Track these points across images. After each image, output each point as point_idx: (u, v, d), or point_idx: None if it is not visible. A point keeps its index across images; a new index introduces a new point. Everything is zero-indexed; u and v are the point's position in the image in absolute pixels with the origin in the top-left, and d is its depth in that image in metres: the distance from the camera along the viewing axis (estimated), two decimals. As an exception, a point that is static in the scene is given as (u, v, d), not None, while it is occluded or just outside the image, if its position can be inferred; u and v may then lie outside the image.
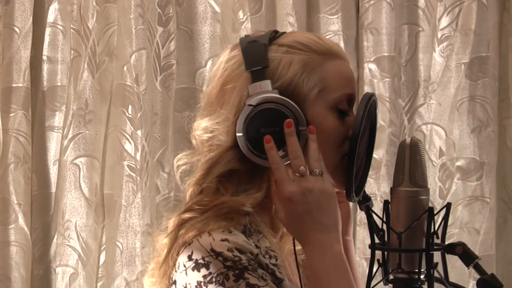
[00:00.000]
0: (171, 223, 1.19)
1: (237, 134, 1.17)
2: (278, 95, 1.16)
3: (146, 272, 1.24)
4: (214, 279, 1.10)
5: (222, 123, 1.20)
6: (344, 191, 1.24)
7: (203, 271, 1.11)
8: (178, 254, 1.15)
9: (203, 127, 1.22)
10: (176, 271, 1.15)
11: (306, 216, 1.14)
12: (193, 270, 1.12)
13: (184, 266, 1.13)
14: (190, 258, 1.13)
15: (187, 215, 1.17)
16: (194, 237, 1.14)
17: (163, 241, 1.20)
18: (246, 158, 1.18)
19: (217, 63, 1.26)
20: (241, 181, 1.19)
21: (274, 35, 1.23)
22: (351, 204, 2.34)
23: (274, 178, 1.17)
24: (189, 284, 1.12)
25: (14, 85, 2.32)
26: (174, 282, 1.15)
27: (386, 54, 2.32)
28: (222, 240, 1.12)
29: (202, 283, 1.11)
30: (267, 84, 1.17)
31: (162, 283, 1.19)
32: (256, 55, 1.18)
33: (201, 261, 1.12)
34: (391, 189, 1.25)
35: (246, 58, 1.19)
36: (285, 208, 1.15)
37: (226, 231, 1.14)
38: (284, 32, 1.25)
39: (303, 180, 1.14)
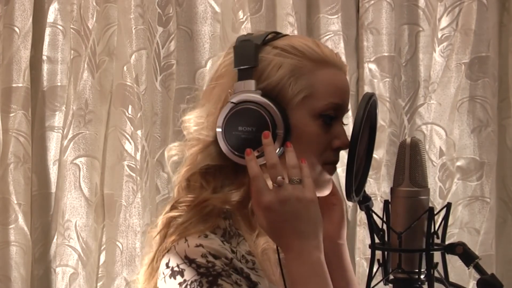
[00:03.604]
0: (160, 221, 1.21)
1: (217, 130, 1.19)
2: (258, 96, 1.18)
3: (141, 267, 1.26)
4: (188, 286, 1.12)
5: (208, 117, 1.22)
6: (337, 193, 1.26)
7: (179, 278, 1.13)
8: (161, 259, 1.17)
9: (192, 120, 1.25)
10: (159, 277, 1.17)
11: (285, 224, 1.15)
12: (170, 278, 1.14)
13: (163, 273, 1.16)
14: (167, 265, 1.15)
15: (173, 214, 1.20)
16: (173, 243, 1.16)
17: (155, 237, 1.22)
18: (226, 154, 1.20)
19: (219, 56, 1.28)
20: (226, 177, 1.21)
21: (274, 36, 1.24)
22: (351, 204, 2.35)
23: (253, 187, 1.18)
24: None
25: (14, 85, 2.32)
26: None
27: (386, 54, 2.32)
28: (197, 246, 1.14)
29: None
30: (251, 83, 1.18)
31: (149, 283, 1.22)
32: (246, 54, 1.20)
33: (176, 268, 1.14)
34: (391, 189, 1.25)
35: (236, 56, 1.20)
36: (264, 217, 1.16)
37: (202, 235, 1.16)
38: (285, 35, 1.26)
39: (280, 189, 1.15)
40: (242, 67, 1.19)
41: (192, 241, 1.15)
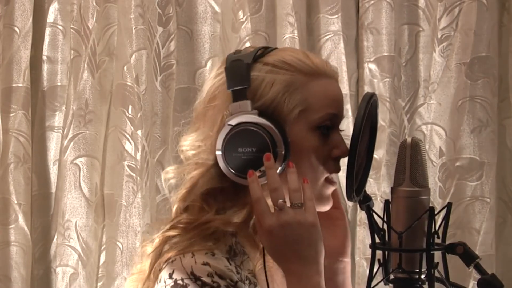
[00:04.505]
0: (156, 239, 1.21)
1: (217, 153, 1.19)
2: (256, 116, 1.18)
3: (129, 276, 1.26)
4: None
5: (205, 140, 1.22)
6: (340, 207, 1.26)
7: None
8: (160, 270, 1.17)
9: (188, 144, 1.25)
10: (157, 283, 1.17)
11: (286, 249, 1.15)
12: None
13: (164, 282, 1.15)
14: (170, 276, 1.15)
15: (171, 233, 1.20)
16: (178, 255, 1.16)
17: (148, 252, 1.22)
18: (227, 176, 1.20)
19: (209, 77, 1.28)
20: (227, 199, 1.21)
21: (263, 52, 1.23)
22: (351, 203, 2.34)
23: (255, 209, 1.18)
24: None
25: (14, 85, 2.32)
26: None
27: (386, 54, 2.32)
28: (204, 264, 1.14)
29: None
30: (246, 104, 1.18)
31: None
32: (238, 74, 1.20)
33: (180, 281, 1.14)
34: (392, 189, 1.25)
35: (228, 77, 1.20)
36: (266, 240, 1.16)
37: (209, 253, 1.16)
38: (275, 48, 1.26)
39: (282, 213, 1.15)
40: (236, 88, 1.19)
41: (199, 258, 1.15)
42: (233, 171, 1.19)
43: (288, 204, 1.15)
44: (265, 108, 1.19)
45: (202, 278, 1.13)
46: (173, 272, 1.15)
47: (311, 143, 1.20)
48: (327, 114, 1.21)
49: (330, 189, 1.24)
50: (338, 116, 1.23)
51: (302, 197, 1.16)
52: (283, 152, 1.17)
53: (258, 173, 1.17)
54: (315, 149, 1.21)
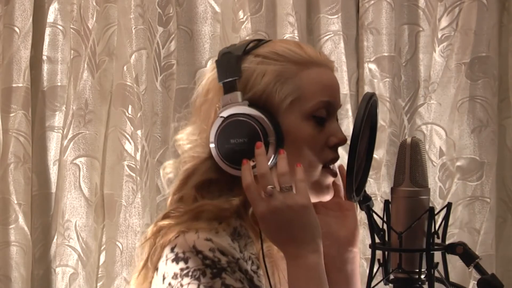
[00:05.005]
0: (150, 229, 1.22)
1: (210, 145, 1.20)
2: (246, 107, 1.18)
3: (133, 274, 1.27)
4: (190, 273, 1.13)
5: (200, 134, 1.23)
6: (353, 200, 1.25)
7: (181, 264, 1.14)
8: (163, 248, 1.17)
9: (185, 137, 1.26)
10: (160, 260, 1.18)
11: (279, 233, 1.16)
12: (172, 262, 1.15)
13: (166, 256, 1.16)
14: (172, 250, 1.16)
15: (164, 222, 1.21)
16: (182, 232, 1.16)
17: (142, 244, 1.23)
18: (222, 168, 1.20)
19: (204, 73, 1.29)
20: (221, 190, 1.22)
21: (256, 44, 1.24)
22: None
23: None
24: (167, 273, 1.15)
25: (14, 85, 2.32)
26: (157, 269, 1.18)
27: (386, 54, 2.32)
28: (206, 240, 1.15)
29: (178, 275, 1.14)
30: (237, 95, 1.19)
31: (144, 282, 1.22)
32: (228, 66, 1.20)
33: (181, 255, 1.14)
34: (392, 189, 1.25)
35: (219, 70, 1.21)
36: (261, 226, 1.17)
37: (213, 231, 1.16)
38: (268, 41, 1.26)
39: (271, 199, 1.15)
40: (226, 80, 1.20)
41: (202, 234, 1.15)
42: (226, 162, 1.19)
43: (278, 189, 1.16)
44: (256, 99, 1.19)
45: (203, 252, 1.13)
46: (175, 246, 1.15)
47: (305, 132, 1.20)
48: (320, 102, 1.21)
49: (329, 179, 1.24)
50: (332, 104, 1.23)
51: (290, 180, 1.16)
52: (274, 142, 1.18)
53: (252, 163, 1.17)
54: (310, 138, 1.20)
